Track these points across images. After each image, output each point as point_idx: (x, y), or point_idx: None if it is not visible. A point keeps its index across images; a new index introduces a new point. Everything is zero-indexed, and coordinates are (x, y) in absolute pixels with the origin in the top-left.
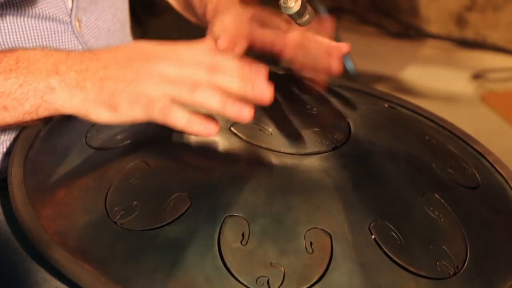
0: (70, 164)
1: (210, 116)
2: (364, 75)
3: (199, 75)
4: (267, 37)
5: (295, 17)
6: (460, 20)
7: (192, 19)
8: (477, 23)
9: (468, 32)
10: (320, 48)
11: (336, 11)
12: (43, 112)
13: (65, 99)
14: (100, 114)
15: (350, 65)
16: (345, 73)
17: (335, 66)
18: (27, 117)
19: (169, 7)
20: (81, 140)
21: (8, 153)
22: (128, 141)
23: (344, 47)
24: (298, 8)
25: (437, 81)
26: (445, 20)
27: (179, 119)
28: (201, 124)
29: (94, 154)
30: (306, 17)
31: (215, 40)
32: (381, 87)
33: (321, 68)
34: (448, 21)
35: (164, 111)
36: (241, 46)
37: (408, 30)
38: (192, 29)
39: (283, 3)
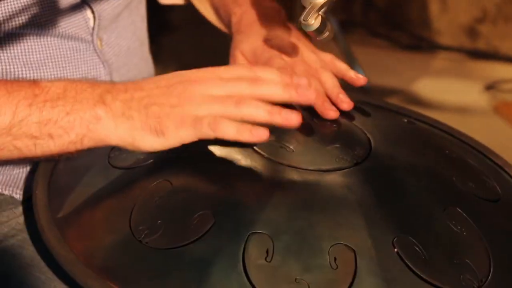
0: (94, 184)
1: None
2: (376, 88)
3: (241, 89)
4: (285, 64)
5: (315, 34)
6: (472, 32)
7: (223, 29)
8: (489, 34)
9: (479, 44)
10: (337, 74)
11: (347, 24)
12: (88, 142)
13: (111, 129)
14: (147, 141)
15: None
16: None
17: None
18: (72, 147)
19: (183, 24)
20: (104, 160)
21: (32, 171)
22: (151, 160)
23: (361, 80)
24: (318, 25)
25: (450, 92)
26: (456, 32)
27: (229, 130)
28: (251, 131)
29: (118, 174)
30: (326, 33)
31: None
32: (394, 100)
33: (334, 98)
34: (460, 32)
35: (213, 125)
36: None
37: (419, 42)
38: (206, 46)
39: (303, 20)
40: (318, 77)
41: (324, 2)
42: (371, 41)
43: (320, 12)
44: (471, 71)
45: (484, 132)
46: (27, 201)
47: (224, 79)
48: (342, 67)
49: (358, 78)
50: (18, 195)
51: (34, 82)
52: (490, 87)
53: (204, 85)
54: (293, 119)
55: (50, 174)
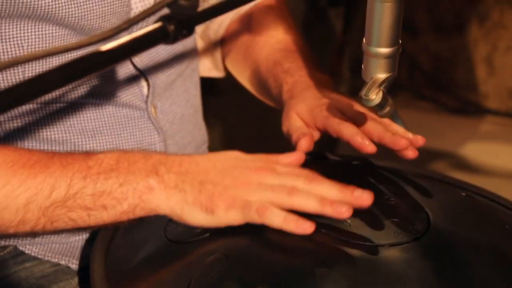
0: (150, 257)
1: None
2: (422, 152)
3: (297, 184)
4: (343, 128)
5: (377, 109)
6: None
7: (266, 100)
8: None
9: None
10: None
11: (392, 87)
12: (139, 212)
13: (163, 200)
14: (195, 216)
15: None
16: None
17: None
18: (124, 217)
19: (229, 86)
20: (161, 233)
21: (88, 240)
22: (207, 234)
23: (420, 140)
24: (379, 100)
25: (497, 158)
26: (503, 96)
27: (275, 219)
28: (297, 222)
29: (174, 248)
30: (387, 108)
31: (294, 139)
32: (440, 164)
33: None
34: (507, 96)
35: (260, 211)
36: (316, 136)
37: (466, 106)
38: (251, 110)
39: (364, 95)
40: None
41: (386, 78)
42: (417, 104)
43: (381, 87)
44: None
45: None
46: (83, 270)
47: (282, 173)
48: (400, 129)
49: (416, 139)
50: (74, 265)
51: (88, 154)
52: None
53: (260, 174)
54: (343, 212)
55: (107, 246)
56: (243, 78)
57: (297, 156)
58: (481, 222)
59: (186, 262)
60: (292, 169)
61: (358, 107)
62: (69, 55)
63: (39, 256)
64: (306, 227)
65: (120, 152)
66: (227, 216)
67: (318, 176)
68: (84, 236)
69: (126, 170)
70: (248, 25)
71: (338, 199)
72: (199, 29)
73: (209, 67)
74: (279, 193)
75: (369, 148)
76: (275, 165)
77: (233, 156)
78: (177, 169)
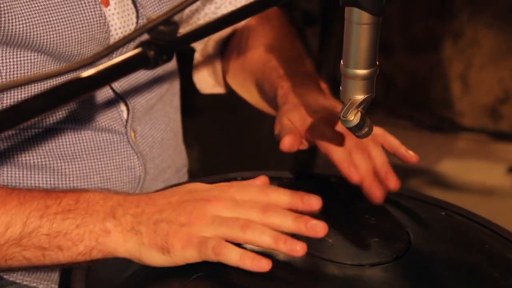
0: (132, 278)
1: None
2: (398, 169)
3: (252, 216)
4: (332, 142)
5: (354, 130)
6: (494, 113)
7: (265, 108)
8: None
9: (502, 125)
10: (388, 149)
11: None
12: (96, 254)
13: (120, 243)
14: (153, 257)
15: None
16: None
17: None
18: (80, 258)
19: (206, 107)
20: None
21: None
22: None
23: (413, 157)
24: (358, 121)
25: (473, 174)
26: (479, 113)
27: (232, 257)
28: (253, 260)
29: (156, 267)
30: (366, 129)
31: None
32: (416, 181)
33: (382, 175)
34: (482, 114)
35: (216, 250)
36: (303, 145)
37: (441, 123)
38: (230, 130)
39: (343, 116)
40: (368, 151)
41: (364, 99)
42: (393, 122)
43: (359, 108)
44: (494, 152)
45: (508, 215)
46: None
47: (237, 203)
48: (394, 142)
49: (410, 155)
50: None
51: (48, 192)
52: None
53: (214, 206)
54: (298, 249)
55: (87, 267)
56: (243, 89)
57: (261, 181)
58: (460, 241)
59: (168, 281)
60: (248, 194)
61: None
62: (49, 83)
63: (17, 281)
64: (263, 265)
65: (81, 191)
66: (184, 255)
67: (273, 204)
68: None
69: (84, 211)
70: (246, 37)
71: (292, 230)
72: (198, 46)
73: (211, 84)
74: (233, 229)
75: (355, 177)
76: (233, 193)
77: (189, 189)
78: (134, 210)
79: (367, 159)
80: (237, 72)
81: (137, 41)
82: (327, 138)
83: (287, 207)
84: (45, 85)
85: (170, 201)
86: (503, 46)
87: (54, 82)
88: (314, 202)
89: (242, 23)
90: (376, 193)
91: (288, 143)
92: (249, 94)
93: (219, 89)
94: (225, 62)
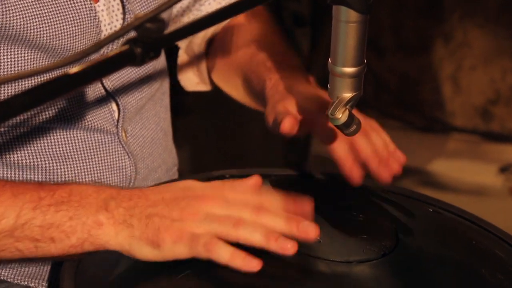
0: (121, 277)
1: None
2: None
3: (244, 215)
4: (326, 128)
5: (342, 128)
6: (485, 114)
7: (252, 104)
8: (503, 116)
9: (493, 125)
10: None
11: (359, 105)
12: (88, 247)
13: (111, 235)
14: (142, 251)
15: None
16: None
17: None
18: (72, 250)
19: (196, 106)
20: None
21: (57, 262)
22: None
23: (402, 158)
24: (345, 119)
25: (464, 174)
26: (470, 114)
27: (223, 255)
28: (244, 259)
29: (144, 266)
30: (353, 127)
31: (279, 121)
32: (408, 181)
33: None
34: (473, 114)
35: (208, 246)
36: (301, 132)
37: (432, 124)
38: (219, 130)
39: (331, 114)
40: (369, 135)
41: (352, 97)
42: (384, 123)
43: (347, 106)
44: (485, 153)
45: (499, 215)
46: None
47: (230, 203)
48: (386, 137)
49: (398, 155)
50: (44, 287)
51: (41, 184)
52: (505, 169)
53: (207, 204)
54: (289, 248)
55: (76, 267)
56: (229, 86)
57: (254, 180)
58: (448, 237)
59: (156, 279)
60: (241, 194)
61: None
62: (39, 79)
63: (8, 280)
64: (253, 265)
65: (74, 184)
66: (174, 250)
67: (266, 205)
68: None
69: (77, 204)
70: (230, 34)
71: (284, 231)
72: (183, 44)
73: (195, 82)
74: (225, 226)
75: (355, 179)
76: (226, 192)
77: (183, 186)
78: (127, 203)
79: (369, 142)
80: (223, 68)
81: (124, 38)
82: (323, 126)
83: (280, 208)
84: (34, 81)
85: (163, 197)
86: (493, 47)
87: (43, 79)
88: (306, 206)
89: (228, 20)
90: (382, 174)
91: (288, 125)
92: (236, 90)
93: (204, 87)
94: (210, 60)
